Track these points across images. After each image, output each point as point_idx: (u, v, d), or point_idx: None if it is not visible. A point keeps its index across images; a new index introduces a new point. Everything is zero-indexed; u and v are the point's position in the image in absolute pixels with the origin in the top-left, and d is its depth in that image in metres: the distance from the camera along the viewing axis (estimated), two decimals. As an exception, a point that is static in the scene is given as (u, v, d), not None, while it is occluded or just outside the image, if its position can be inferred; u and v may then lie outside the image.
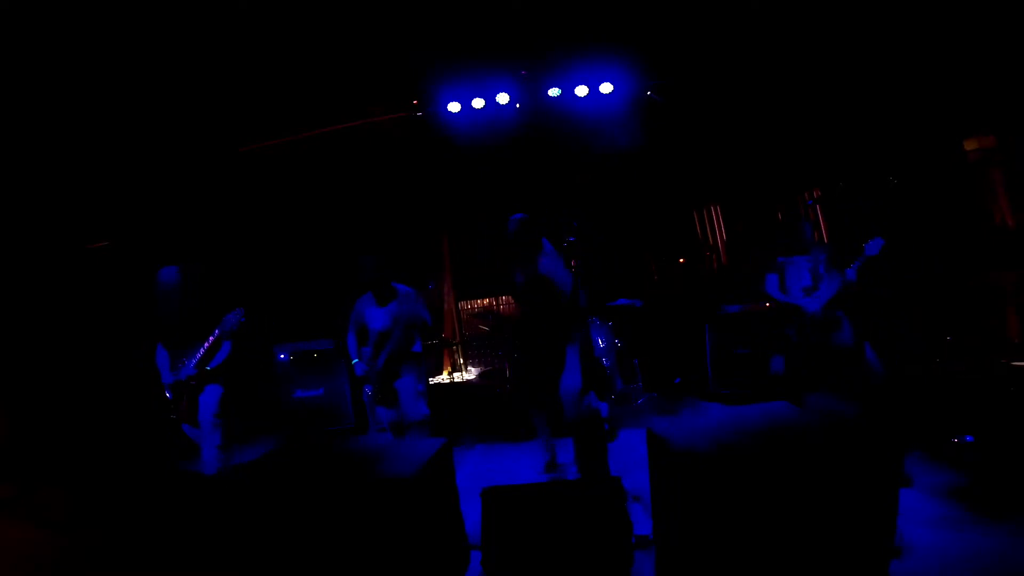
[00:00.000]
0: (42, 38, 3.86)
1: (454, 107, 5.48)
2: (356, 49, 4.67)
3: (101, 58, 4.14)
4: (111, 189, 5.90)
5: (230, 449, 3.67)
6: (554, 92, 5.39)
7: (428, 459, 2.26)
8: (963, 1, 4.30)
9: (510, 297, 7.85)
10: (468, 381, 6.48)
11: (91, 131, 5.04)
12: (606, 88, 5.36)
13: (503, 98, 5.39)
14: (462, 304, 8.10)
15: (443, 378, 6.89)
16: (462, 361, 7.30)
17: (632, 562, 2.22)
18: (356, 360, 4.04)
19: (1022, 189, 5.01)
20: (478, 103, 5.43)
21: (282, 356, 6.05)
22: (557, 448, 4.10)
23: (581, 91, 5.37)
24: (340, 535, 2.00)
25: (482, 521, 2.28)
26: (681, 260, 8.06)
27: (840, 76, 5.18)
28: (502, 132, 5.92)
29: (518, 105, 5.53)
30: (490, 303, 8.07)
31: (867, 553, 1.87)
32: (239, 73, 4.71)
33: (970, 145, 5.28)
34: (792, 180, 6.91)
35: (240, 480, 2.76)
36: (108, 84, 4.49)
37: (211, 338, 3.66)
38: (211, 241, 6.76)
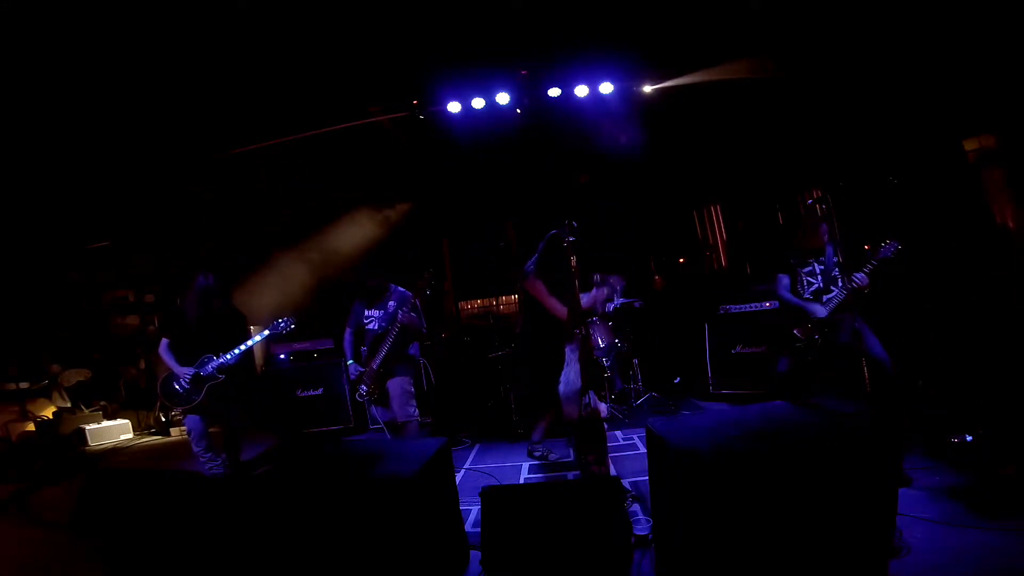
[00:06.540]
0: (43, 41, 3.86)
1: (454, 107, 5.47)
2: (356, 49, 4.67)
3: (103, 57, 4.14)
4: (112, 190, 5.91)
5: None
6: (554, 92, 5.39)
7: (428, 459, 2.26)
8: (963, 1, 4.30)
9: (510, 297, 7.87)
10: (468, 381, 6.47)
11: (92, 132, 5.04)
12: (606, 88, 5.36)
13: (503, 98, 5.39)
14: (462, 304, 8.10)
15: (441, 378, 6.88)
16: (459, 361, 7.28)
17: (632, 562, 2.22)
18: (351, 361, 4.09)
19: (1022, 189, 5.00)
20: (478, 103, 5.43)
21: (282, 356, 6.04)
22: (552, 447, 4.19)
23: (581, 91, 5.37)
24: (341, 535, 2.00)
25: (482, 521, 2.28)
26: (681, 260, 8.07)
27: (840, 76, 5.17)
28: (502, 132, 5.91)
29: (519, 110, 5.53)
30: (489, 303, 8.08)
31: (867, 553, 1.87)
32: (239, 73, 4.70)
33: (970, 145, 5.27)
34: (792, 180, 6.91)
35: (241, 480, 2.76)
36: (108, 85, 4.49)
37: (257, 338, 3.90)
38: (210, 240, 6.75)
